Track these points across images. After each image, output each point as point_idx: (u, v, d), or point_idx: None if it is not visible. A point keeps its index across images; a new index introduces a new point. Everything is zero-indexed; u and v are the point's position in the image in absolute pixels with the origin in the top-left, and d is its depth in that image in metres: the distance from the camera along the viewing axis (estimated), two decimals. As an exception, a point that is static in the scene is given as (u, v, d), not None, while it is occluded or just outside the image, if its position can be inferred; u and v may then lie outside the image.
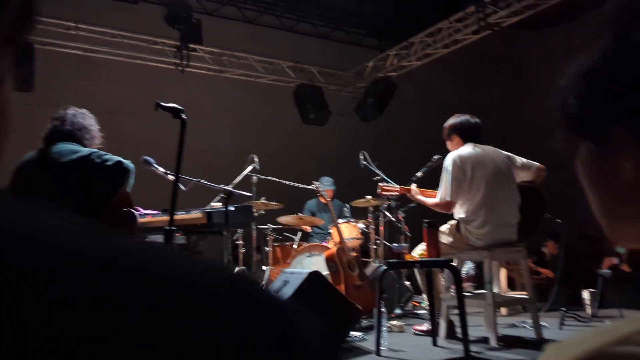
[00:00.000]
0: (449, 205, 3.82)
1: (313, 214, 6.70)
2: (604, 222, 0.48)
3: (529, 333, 3.97)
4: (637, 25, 0.41)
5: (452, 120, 3.96)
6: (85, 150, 2.73)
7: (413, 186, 4.10)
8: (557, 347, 0.36)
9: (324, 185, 6.35)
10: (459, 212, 3.83)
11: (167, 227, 2.41)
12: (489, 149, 3.88)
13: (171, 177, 3.52)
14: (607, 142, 0.44)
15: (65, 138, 2.83)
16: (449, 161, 3.80)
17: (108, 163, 2.61)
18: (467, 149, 3.82)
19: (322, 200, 6.02)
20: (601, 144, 0.45)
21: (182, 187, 2.85)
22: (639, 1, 0.42)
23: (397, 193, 4.23)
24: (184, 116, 2.48)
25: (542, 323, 3.95)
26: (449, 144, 4.01)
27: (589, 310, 4.80)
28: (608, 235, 0.49)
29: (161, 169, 3.56)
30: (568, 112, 0.46)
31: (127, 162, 2.71)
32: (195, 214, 3.83)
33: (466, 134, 3.88)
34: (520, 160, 3.95)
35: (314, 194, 6.41)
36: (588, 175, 0.48)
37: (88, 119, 2.91)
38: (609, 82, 0.43)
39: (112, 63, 8.01)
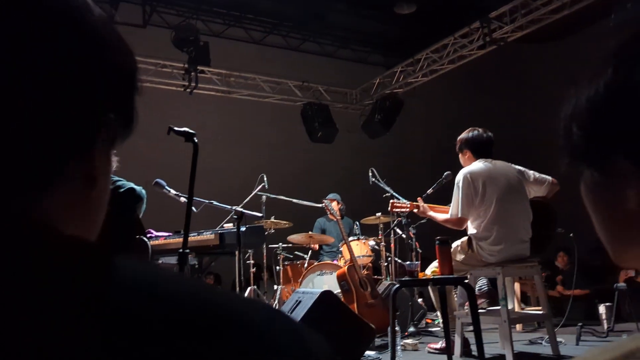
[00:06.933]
0: (460, 221, 3.80)
1: (323, 232, 6.69)
2: (607, 244, 0.51)
3: (545, 349, 3.92)
4: None
5: (464, 135, 3.94)
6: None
7: (421, 202, 4.09)
8: None
9: (328, 198, 6.35)
10: (470, 228, 3.82)
11: (182, 250, 2.42)
12: (500, 164, 3.86)
13: (183, 199, 3.55)
14: (610, 172, 0.46)
15: None
16: (460, 177, 3.79)
17: (121, 190, 2.62)
18: (479, 165, 3.81)
19: (332, 217, 6.02)
20: (605, 173, 0.47)
21: (193, 209, 2.86)
22: None
23: (408, 209, 4.22)
24: (196, 140, 2.50)
25: (559, 339, 3.90)
26: (461, 157, 3.99)
27: (605, 324, 4.74)
28: (611, 257, 0.51)
29: (173, 191, 3.58)
30: (572, 141, 0.48)
31: (139, 188, 2.72)
32: (208, 235, 3.84)
33: (477, 149, 3.86)
34: (533, 174, 3.92)
35: (324, 211, 6.41)
36: (592, 201, 0.50)
37: None
38: (611, 114, 0.44)
39: (122, 86, 8.10)
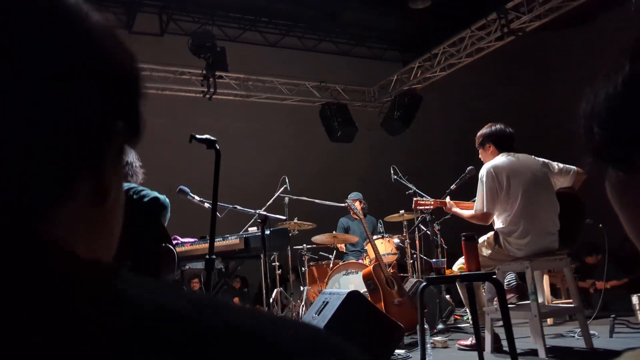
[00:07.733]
0: (485, 216, 3.76)
1: (346, 231, 6.68)
2: (637, 243, 0.49)
3: (578, 343, 3.86)
4: None
5: (486, 130, 3.90)
6: (124, 186, 2.78)
7: (447, 199, 4.06)
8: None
9: (351, 198, 6.35)
10: (497, 223, 3.77)
11: (208, 256, 2.44)
12: (523, 157, 3.81)
13: (207, 205, 3.58)
14: (634, 170, 0.45)
15: None
16: (483, 172, 3.75)
17: (145, 199, 2.65)
18: (502, 159, 3.76)
19: (355, 216, 6.01)
20: (629, 171, 0.46)
21: (217, 214, 2.88)
22: None
23: (432, 206, 4.19)
24: (217, 147, 2.52)
25: (592, 331, 3.83)
26: (481, 153, 3.95)
27: (639, 315, 4.63)
28: None
29: (197, 198, 3.62)
30: (593, 140, 0.47)
31: (163, 197, 2.74)
32: (233, 240, 3.87)
33: (501, 143, 3.82)
34: (557, 165, 3.86)
35: (346, 211, 6.40)
36: (618, 200, 0.49)
37: (131, 155, 2.97)
38: (631, 110, 0.43)
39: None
